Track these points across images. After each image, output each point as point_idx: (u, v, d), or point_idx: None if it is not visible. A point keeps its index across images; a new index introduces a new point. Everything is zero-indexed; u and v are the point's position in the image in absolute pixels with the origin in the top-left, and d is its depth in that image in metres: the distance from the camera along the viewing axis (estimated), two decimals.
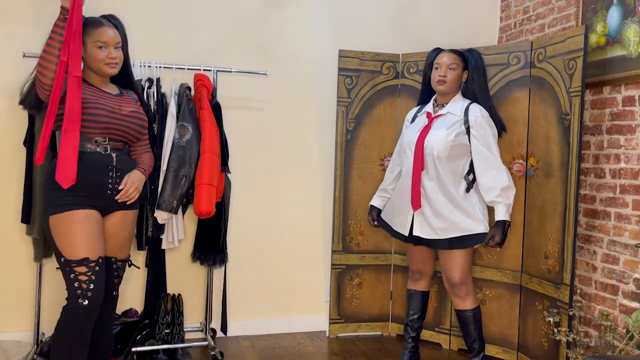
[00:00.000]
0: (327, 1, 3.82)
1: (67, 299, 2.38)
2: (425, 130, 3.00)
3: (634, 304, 2.89)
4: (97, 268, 2.38)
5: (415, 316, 3.21)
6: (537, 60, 3.25)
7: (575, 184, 2.94)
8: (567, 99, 3.03)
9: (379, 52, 3.75)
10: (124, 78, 2.63)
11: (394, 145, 3.76)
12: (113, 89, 2.58)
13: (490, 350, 3.46)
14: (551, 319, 2.91)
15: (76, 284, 2.35)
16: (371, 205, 3.35)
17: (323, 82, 3.82)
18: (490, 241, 2.90)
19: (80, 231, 2.37)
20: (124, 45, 2.56)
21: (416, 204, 2.96)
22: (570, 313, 2.91)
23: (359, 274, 3.78)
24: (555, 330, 2.87)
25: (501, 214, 2.89)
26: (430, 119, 3.03)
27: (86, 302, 2.34)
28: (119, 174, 2.49)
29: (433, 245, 3.00)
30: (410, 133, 3.08)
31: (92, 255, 2.37)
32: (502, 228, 2.88)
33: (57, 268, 2.48)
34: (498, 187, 2.88)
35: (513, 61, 3.37)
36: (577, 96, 2.96)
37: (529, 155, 3.32)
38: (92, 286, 2.35)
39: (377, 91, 3.74)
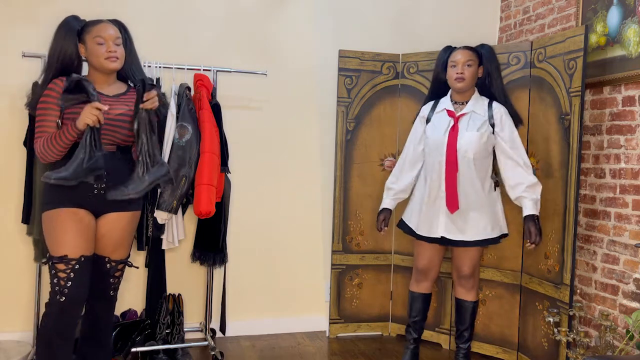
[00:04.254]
0: (327, 1, 3.82)
1: (49, 293, 2.44)
2: (454, 130, 2.96)
3: (634, 304, 2.89)
4: (77, 266, 2.40)
5: (417, 318, 3.22)
6: (537, 60, 3.25)
7: (575, 184, 2.94)
8: (567, 99, 3.03)
9: (379, 52, 3.75)
10: (131, 78, 2.64)
11: (394, 145, 3.76)
12: (116, 89, 2.58)
13: (490, 350, 3.46)
14: (551, 319, 2.91)
15: (55, 280, 2.41)
16: (385, 209, 3.19)
17: (323, 82, 3.82)
18: (528, 240, 2.92)
19: (62, 229, 2.41)
20: (128, 45, 2.60)
21: (454, 206, 2.94)
22: (570, 313, 2.90)
23: (359, 274, 3.78)
24: (555, 330, 2.87)
25: (528, 209, 2.91)
26: (455, 118, 2.99)
27: (63, 299, 2.39)
28: (105, 173, 2.46)
29: (460, 244, 3.01)
30: (436, 134, 3.00)
31: (72, 253, 2.40)
32: (532, 222, 2.90)
33: (43, 263, 2.52)
34: (525, 183, 2.92)
35: (513, 61, 3.37)
36: (577, 96, 2.96)
37: (529, 155, 3.31)
38: (69, 284, 2.38)
39: (377, 91, 3.74)
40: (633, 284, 2.90)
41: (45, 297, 3.26)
